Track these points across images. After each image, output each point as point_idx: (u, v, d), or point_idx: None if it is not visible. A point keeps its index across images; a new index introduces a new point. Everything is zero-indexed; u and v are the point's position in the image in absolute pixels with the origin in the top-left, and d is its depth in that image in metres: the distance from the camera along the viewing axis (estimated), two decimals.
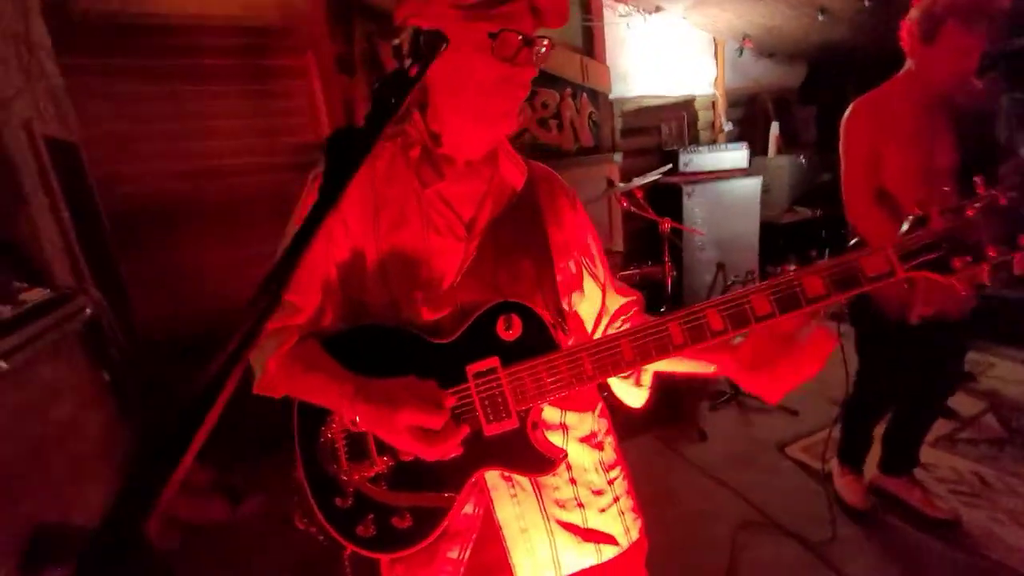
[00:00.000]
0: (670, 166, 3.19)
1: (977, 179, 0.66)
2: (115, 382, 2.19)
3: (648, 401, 0.92)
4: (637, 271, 3.45)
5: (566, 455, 0.83)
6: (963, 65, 1.53)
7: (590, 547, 0.88)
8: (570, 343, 0.86)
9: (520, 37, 0.73)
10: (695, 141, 4.29)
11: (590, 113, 3.86)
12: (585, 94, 3.79)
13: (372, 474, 0.79)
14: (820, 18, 3.49)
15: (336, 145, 0.50)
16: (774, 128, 4.32)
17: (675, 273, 3.62)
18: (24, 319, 1.31)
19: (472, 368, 0.77)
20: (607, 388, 0.92)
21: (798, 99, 4.71)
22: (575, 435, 0.90)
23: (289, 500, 0.86)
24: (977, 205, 0.63)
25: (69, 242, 2.30)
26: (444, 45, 0.59)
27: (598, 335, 0.96)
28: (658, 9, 3.87)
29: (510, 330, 0.78)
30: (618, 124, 4.03)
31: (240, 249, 2.90)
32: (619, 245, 4.03)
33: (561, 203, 0.94)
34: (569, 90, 3.72)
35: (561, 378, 0.76)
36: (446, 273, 0.83)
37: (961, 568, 1.76)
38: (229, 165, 2.89)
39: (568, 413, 0.89)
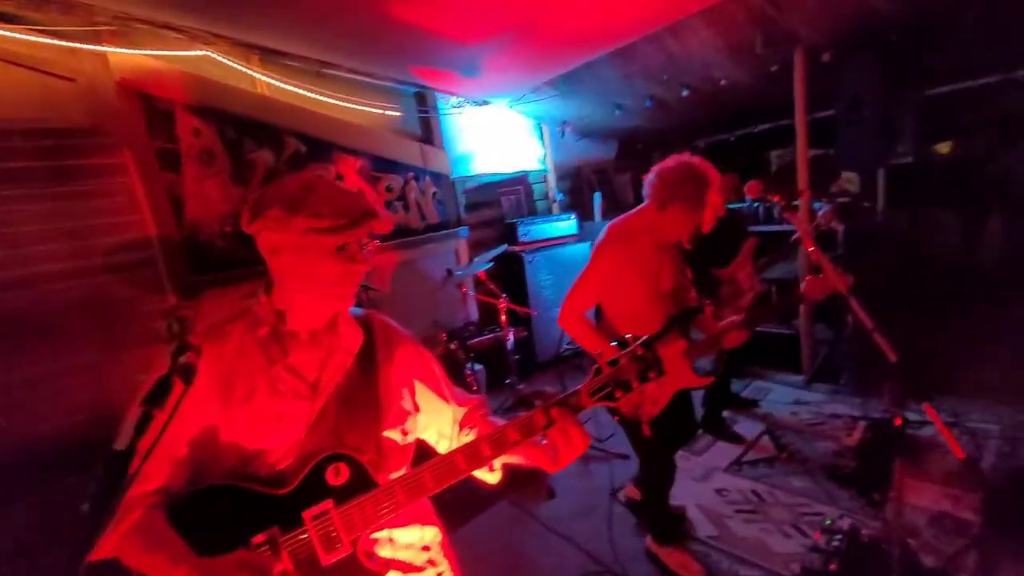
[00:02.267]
0: (504, 247, 3.57)
1: (628, 336, 0.99)
2: None
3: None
4: (491, 336, 3.78)
5: (388, 568, 1.03)
6: (682, 233, 1.90)
7: None
8: (399, 472, 1.06)
9: (359, 246, 0.97)
10: (533, 211, 4.80)
11: (434, 192, 4.15)
12: (428, 176, 4.08)
13: None
14: (617, 113, 4.19)
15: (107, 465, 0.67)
16: (597, 197, 5.00)
17: (525, 334, 3.98)
18: None
19: (309, 513, 0.94)
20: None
21: (615, 168, 5.49)
22: (402, 544, 1.09)
23: None
24: (625, 356, 0.97)
25: None
26: (193, 377, 0.78)
27: (454, 444, 1.16)
28: (485, 103, 4.33)
29: (339, 476, 0.96)
30: (462, 200, 4.38)
31: (54, 362, 2.65)
32: (475, 315, 4.32)
33: (396, 346, 1.13)
34: (412, 173, 3.97)
35: (382, 508, 0.96)
36: (293, 430, 0.98)
37: None
38: (37, 273, 2.64)
39: (393, 530, 1.08)
